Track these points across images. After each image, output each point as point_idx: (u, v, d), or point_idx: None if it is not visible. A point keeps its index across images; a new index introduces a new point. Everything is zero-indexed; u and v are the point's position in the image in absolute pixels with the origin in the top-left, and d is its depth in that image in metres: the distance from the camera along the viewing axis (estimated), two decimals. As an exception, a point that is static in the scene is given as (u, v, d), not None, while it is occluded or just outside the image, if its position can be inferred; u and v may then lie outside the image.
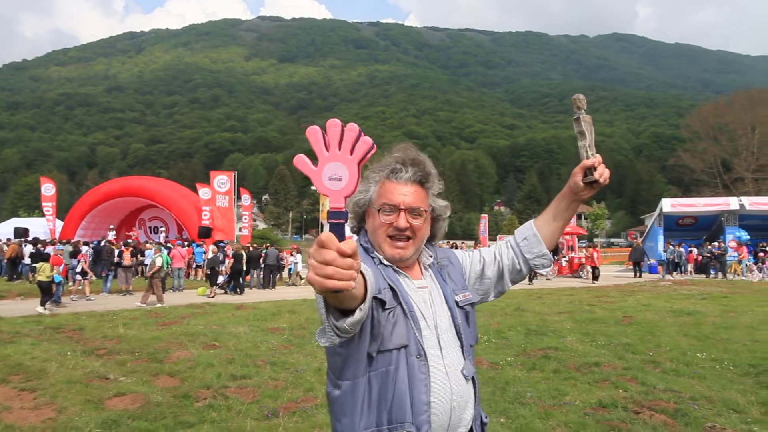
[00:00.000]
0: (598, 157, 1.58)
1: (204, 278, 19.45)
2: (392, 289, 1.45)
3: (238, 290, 16.58)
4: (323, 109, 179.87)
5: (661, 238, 25.48)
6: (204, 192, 25.58)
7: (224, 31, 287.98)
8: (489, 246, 1.80)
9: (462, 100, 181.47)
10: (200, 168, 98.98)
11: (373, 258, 1.53)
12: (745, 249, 22.32)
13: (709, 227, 26.53)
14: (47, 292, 12.12)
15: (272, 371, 6.43)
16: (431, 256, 1.63)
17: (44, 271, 12.10)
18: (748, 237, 24.53)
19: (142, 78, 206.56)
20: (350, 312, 1.20)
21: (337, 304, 1.18)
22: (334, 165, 1.07)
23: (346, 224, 1.03)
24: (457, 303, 1.56)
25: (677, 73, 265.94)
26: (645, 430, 4.44)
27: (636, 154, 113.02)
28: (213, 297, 15.18)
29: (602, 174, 1.57)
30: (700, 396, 5.29)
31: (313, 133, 1.09)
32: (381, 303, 1.39)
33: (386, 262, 1.52)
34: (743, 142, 49.40)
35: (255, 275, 18.80)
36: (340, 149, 1.08)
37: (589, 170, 1.59)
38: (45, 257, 12.86)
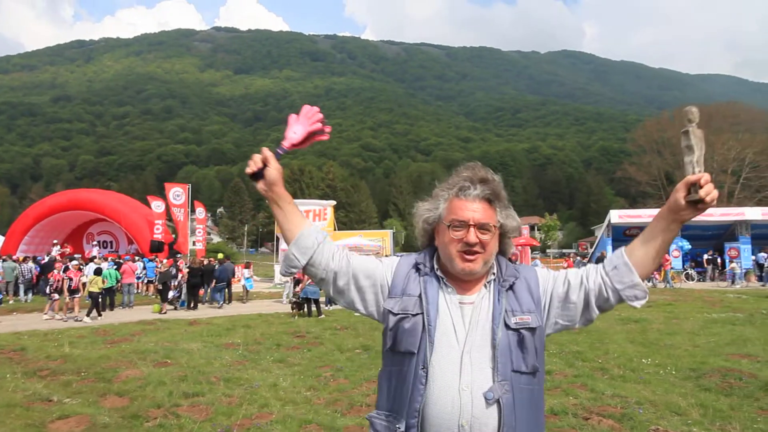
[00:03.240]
0: (706, 175, 1.38)
1: (155, 294, 18.92)
2: (420, 299, 1.57)
3: (192, 305, 16.19)
4: (279, 122, 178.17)
5: (610, 249, 26.35)
6: (156, 205, 24.90)
7: (178, 42, 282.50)
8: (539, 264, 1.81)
9: (418, 113, 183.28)
10: (152, 181, 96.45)
11: (419, 270, 1.63)
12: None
13: (654, 237, 27.57)
14: (96, 302, 13.61)
15: (226, 388, 6.32)
16: (494, 273, 1.62)
17: (96, 283, 13.57)
18: (690, 246, 25.70)
19: (91, 88, 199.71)
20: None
21: (277, 210, 1.68)
22: (296, 126, 1.77)
23: (280, 152, 1.71)
24: (507, 325, 1.53)
25: (623, 89, 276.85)
26: (593, 435, 4.58)
27: (586, 166, 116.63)
28: (165, 313, 14.78)
29: (709, 192, 1.38)
30: (645, 400, 5.51)
31: (305, 112, 1.82)
32: (390, 312, 1.58)
33: (439, 273, 1.61)
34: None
35: (209, 290, 18.36)
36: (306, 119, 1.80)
37: (694, 187, 1.39)
38: (98, 270, 14.31)
